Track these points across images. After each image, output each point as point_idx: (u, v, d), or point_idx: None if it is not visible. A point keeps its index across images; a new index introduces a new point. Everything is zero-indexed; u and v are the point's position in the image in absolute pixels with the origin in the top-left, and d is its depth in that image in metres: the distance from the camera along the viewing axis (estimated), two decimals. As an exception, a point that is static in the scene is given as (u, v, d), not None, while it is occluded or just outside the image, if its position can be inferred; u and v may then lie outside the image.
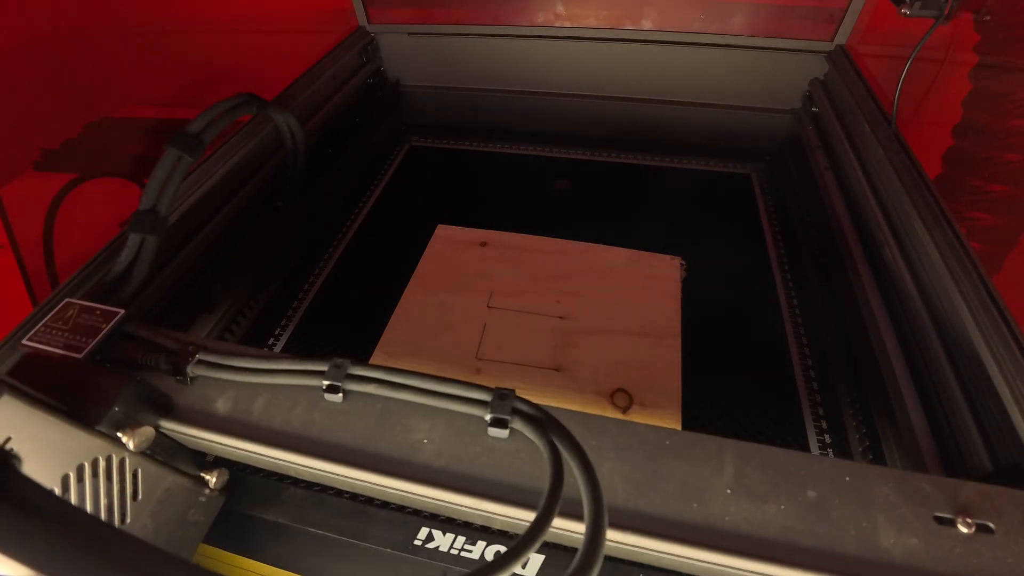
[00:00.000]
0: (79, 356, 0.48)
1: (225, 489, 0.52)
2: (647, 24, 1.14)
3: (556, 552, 0.51)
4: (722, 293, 0.88)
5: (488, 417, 0.43)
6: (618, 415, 0.64)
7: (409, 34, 1.24)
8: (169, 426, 0.46)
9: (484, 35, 1.20)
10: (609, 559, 0.47)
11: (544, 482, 0.41)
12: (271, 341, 0.83)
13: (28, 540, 0.20)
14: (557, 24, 1.17)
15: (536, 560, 0.50)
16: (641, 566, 0.47)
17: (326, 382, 0.45)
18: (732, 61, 1.12)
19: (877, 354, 0.65)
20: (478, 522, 0.45)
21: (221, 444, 0.45)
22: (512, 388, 0.44)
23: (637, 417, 0.64)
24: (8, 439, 0.34)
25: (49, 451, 0.36)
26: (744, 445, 0.42)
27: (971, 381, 0.54)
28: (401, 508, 0.53)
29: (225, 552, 0.53)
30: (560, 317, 0.76)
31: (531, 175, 1.19)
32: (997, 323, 0.53)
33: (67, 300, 0.53)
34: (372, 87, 1.26)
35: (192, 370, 0.48)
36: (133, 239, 0.62)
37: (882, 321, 0.66)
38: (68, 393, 0.41)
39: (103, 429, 0.40)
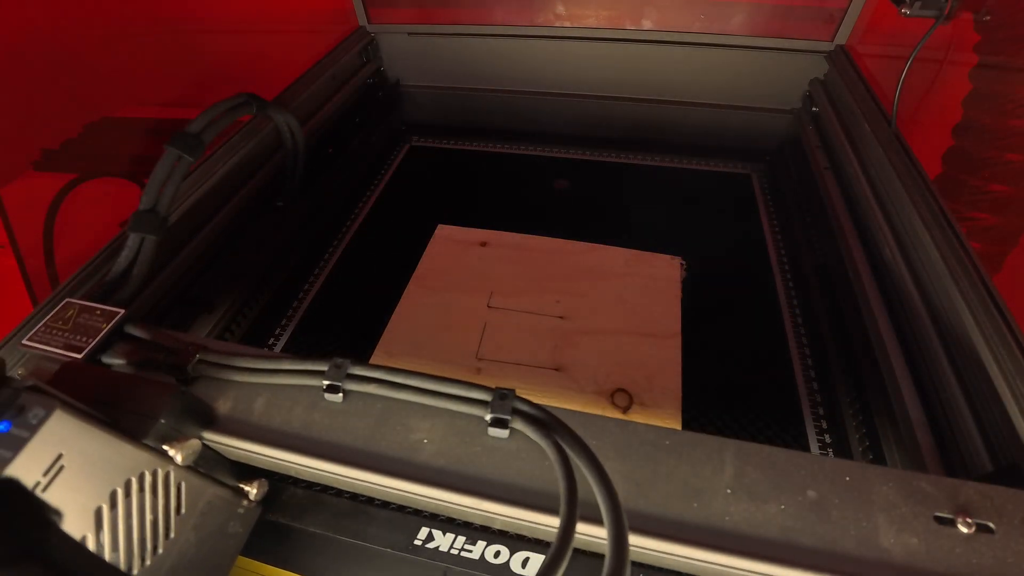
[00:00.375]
0: (79, 356, 0.48)
1: (264, 500, 0.50)
2: (647, 24, 1.14)
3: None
4: (722, 293, 0.88)
5: (488, 417, 0.43)
6: (618, 415, 0.64)
7: (409, 34, 1.24)
8: (210, 437, 0.45)
9: (484, 35, 1.20)
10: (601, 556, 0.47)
11: (543, 482, 0.41)
12: (271, 341, 0.83)
13: None
14: (557, 24, 1.17)
15: (536, 560, 0.50)
16: (641, 566, 0.47)
17: (326, 382, 0.45)
18: (732, 61, 1.12)
19: (877, 354, 0.65)
20: (478, 522, 0.45)
21: (221, 444, 0.45)
22: (512, 388, 0.44)
23: (637, 417, 0.64)
24: (60, 456, 0.32)
25: (98, 467, 0.35)
26: (744, 445, 0.42)
27: (971, 381, 0.54)
28: (401, 508, 0.53)
29: (225, 552, 0.53)
30: (560, 317, 0.76)
31: (531, 175, 1.19)
32: (997, 323, 0.53)
33: (67, 300, 0.53)
34: (372, 87, 1.26)
35: (192, 370, 0.48)
36: (133, 239, 0.62)
37: (882, 321, 0.66)
38: (111, 405, 0.40)
39: (149, 442, 0.39)
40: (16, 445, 0.30)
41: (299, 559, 0.52)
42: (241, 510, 0.49)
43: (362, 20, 1.24)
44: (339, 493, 0.54)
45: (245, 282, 0.85)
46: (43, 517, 0.31)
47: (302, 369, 0.47)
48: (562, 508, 0.37)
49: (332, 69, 1.10)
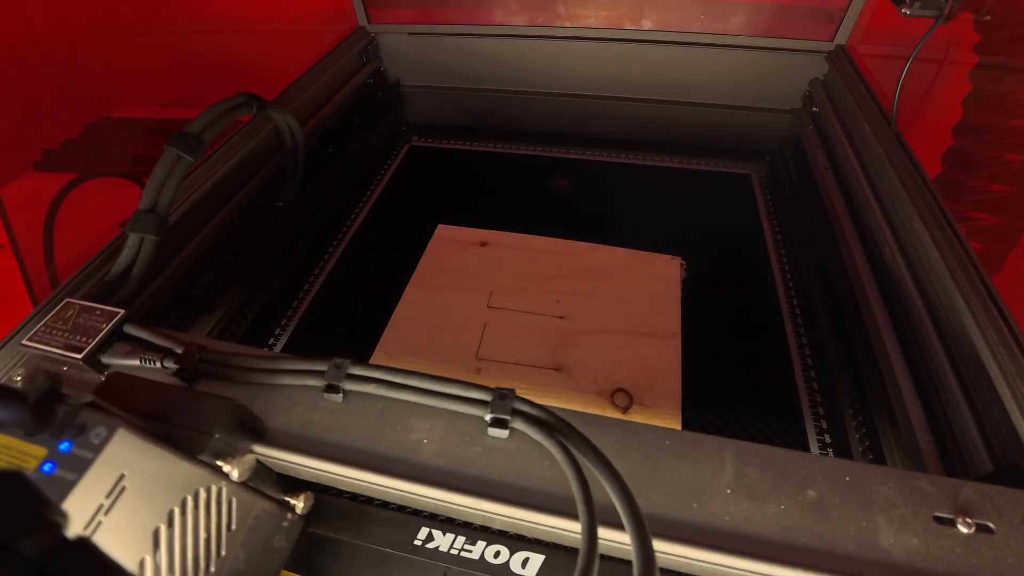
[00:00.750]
0: (79, 356, 0.48)
1: (309, 513, 0.50)
2: (647, 24, 1.14)
3: (555, 552, 0.51)
4: (722, 293, 0.88)
5: (488, 417, 0.43)
6: (618, 415, 0.64)
7: (409, 34, 1.24)
8: (261, 451, 0.44)
9: (484, 35, 1.20)
10: (609, 559, 0.47)
11: (543, 482, 0.41)
12: (271, 341, 0.83)
13: None
14: (557, 24, 1.17)
15: (536, 560, 0.50)
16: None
17: (326, 382, 0.45)
18: (732, 61, 1.12)
19: (877, 354, 0.65)
20: (478, 522, 0.45)
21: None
22: (512, 388, 0.44)
23: (637, 417, 0.64)
24: (122, 476, 0.31)
25: (157, 485, 0.34)
26: (744, 445, 0.42)
27: (971, 381, 0.54)
28: (401, 508, 0.53)
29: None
30: (560, 317, 0.76)
31: (531, 175, 1.19)
32: (997, 323, 0.53)
33: (67, 300, 0.53)
34: (372, 87, 1.26)
35: (192, 370, 0.48)
36: (133, 239, 0.62)
37: (882, 321, 0.66)
38: (162, 420, 0.38)
39: (204, 458, 0.38)
40: (80, 467, 0.29)
41: (299, 559, 0.52)
42: (286, 523, 0.49)
43: (362, 20, 1.24)
44: (339, 493, 0.54)
45: (245, 282, 0.85)
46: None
47: (302, 369, 0.47)
48: (581, 514, 0.36)
49: (332, 69, 1.10)
